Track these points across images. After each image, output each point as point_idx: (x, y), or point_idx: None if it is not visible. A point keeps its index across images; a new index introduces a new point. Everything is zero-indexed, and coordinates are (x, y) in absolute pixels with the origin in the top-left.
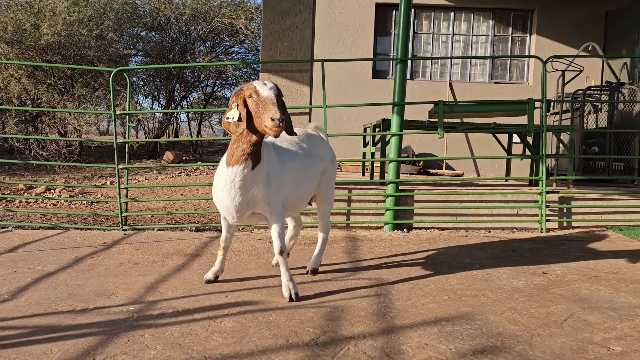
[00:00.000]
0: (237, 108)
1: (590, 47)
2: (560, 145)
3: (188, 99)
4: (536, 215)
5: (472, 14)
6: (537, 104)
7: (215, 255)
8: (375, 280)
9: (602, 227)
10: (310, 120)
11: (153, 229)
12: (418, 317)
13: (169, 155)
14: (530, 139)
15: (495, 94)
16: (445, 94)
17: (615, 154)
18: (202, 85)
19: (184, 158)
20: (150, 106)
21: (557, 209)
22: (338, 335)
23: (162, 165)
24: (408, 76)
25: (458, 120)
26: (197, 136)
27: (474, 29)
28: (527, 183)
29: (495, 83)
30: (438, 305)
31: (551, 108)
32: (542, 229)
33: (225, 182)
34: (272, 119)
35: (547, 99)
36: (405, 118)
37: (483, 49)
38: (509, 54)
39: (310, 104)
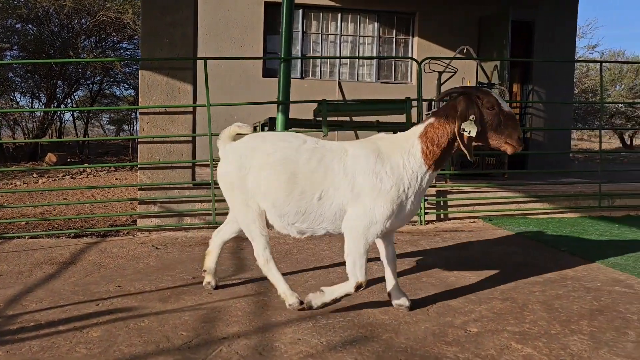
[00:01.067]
0: (475, 121)
1: (465, 50)
2: None
3: (73, 97)
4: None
5: (359, 16)
6: (416, 103)
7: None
8: (256, 279)
9: (475, 218)
10: (194, 118)
11: (24, 237)
12: (294, 313)
13: (51, 157)
14: None
15: (381, 93)
16: (334, 92)
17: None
18: (88, 82)
19: (68, 160)
20: (30, 104)
21: (434, 202)
22: (212, 336)
23: (43, 167)
24: (299, 75)
25: (344, 118)
26: (84, 136)
27: (360, 30)
28: None
29: (382, 83)
30: None
31: (432, 107)
32: (421, 221)
33: (420, 187)
34: (520, 138)
35: (427, 98)
36: (296, 117)
37: (369, 49)
38: (393, 55)
39: (194, 102)
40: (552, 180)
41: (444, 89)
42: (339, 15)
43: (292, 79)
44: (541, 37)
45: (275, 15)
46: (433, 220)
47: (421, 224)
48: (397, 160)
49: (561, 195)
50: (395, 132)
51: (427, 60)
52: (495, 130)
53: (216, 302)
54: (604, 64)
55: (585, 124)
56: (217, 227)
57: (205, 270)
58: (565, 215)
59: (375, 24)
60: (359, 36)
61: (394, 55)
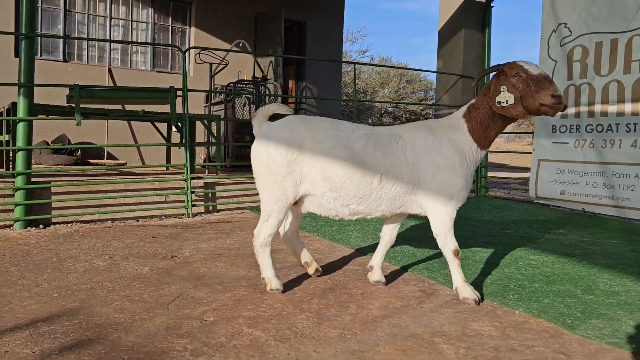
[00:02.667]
0: (507, 90)
1: (240, 44)
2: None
3: None
4: (183, 201)
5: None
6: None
7: None
8: None
9: (243, 209)
10: None
11: None
12: (11, 322)
13: None
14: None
15: (156, 82)
16: (104, 79)
17: None
18: None
19: None
20: None
21: (202, 194)
22: None
23: None
24: (61, 57)
25: (116, 107)
26: None
27: (133, 15)
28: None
29: (157, 72)
30: (42, 305)
31: (209, 98)
32: (188, 214)
33: (476, 162)
34: (554, 96)
35: (199, 89)
36: (55, 103)
37: (143, 36)
38: (169, 44)
39: None
40: None
41: (218, 81)
42: None
43: (53, 62)
44: (312, 38)
45: None
46: (201, 213)
47: (188, 217)
48: (453, 137)
49: None
50: (168, 122)
51: (192, 50)
52: (528, 95)
53: None
54: (373, 68)
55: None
56: None
57: (306, 262)
58: None
59: (150, 9)
60: (132, 21)
61: (170, 44)
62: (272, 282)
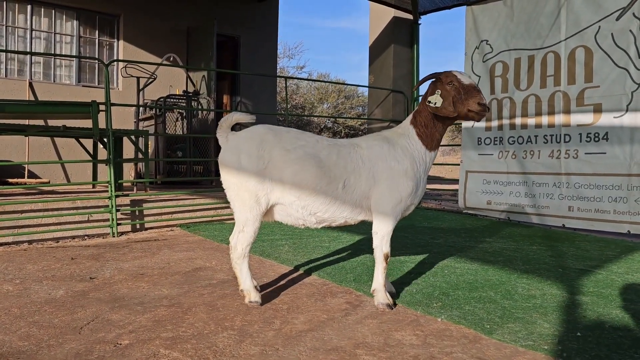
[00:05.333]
0: (441, 95)
1: (171, 58)
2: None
3: None
4: (108, 220)
5: (54, 11)
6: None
7: None
8: None
9: (173, 226)
10: None
11: None
12: None
13: None
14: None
15: (83, 96)
16: (24, 93)
17: (196, 157)
18: None
19: None
20: None
21: (129, 212)
22: None
23: None
24: None
25: (39, 122)
26: None
27: (56, 27)
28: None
29: (83, 86)
30: None
31: (139, 113)
32: (113, 233)
33: (426, 165)
34: (480, 104)
35: (126, 104)
36: None
37: (68, 49)
38: (92, 57)
39: None
40: None
41: (148, 95)
42: (29, 7)
43: None
44: (246, 53)
45: None
46: (127, 232)
47: (113, 236)
48: (404, 144)
49: None
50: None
51: (121, 64)
52: (458, 101)
53: None
54: (312, 84)
55: None
56: None
57: None
58: None
59: (75, 22)
60: (55, 33)
61: (97, 57)
62: (251, 294)
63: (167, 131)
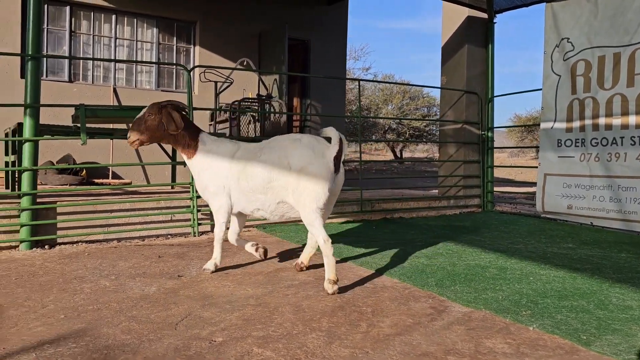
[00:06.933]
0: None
1: (245, 62)
2: None
3: None
4: (189, 220)
5: (136, 20)
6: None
7: None
8: None
9: (250, 227)
10: None
11: None
12: (17, 344)
13: None
14: None
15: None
16: (109, 99)
17: None
18: None
19: None
20: None
21: (209, 212)
22: None
23: None
24: (66, 78)
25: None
26: None
27: (138, 35)
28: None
29: (162, 91)
30: (49, 327)
31: (214, 116)
32: (194, 233)
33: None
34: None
35: (205, 108)
36: (57, 123)
37: (148, 55)
38: (175, 63)
39: None
40: None
41: (223, 99)
42: (114, 16)
43: (58, 82)
44: (316, 56)
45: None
46: (207, 231)
47: (194, 235)
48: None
49: None
50: None
51: (197, 69)
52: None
53: None
54: (376, 85)
55: (363, 138)
56: None
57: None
58: (332, 220)
59: (154, 29)
60: (137, 41)
61: (174, 63)
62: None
63: (240, 133)
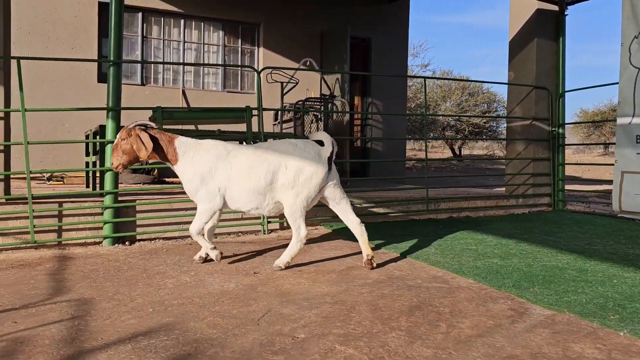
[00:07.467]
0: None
1: (308, 62)
2: None
3: None
4: (259, 218)
5: (202, 23)
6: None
7: None
8: (76, 302)
9: (317, 225)
10: (6, 125)
11: None
12: (113, 335)
13: None
14: None
15: (228, 102)
16: (179, 100)
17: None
18: None
19: None
20: None
21: None
22: None
23: None
24: (139, 81)
25: (190, 127)
26: None
27: (205, 38)
28: None
29: (228, 92)
30: (140, 320)
31: (277, 116)
32: (264, 230)
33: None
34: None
35: (272, 108)
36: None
37: (214, 58)
38: (245, 65)
39: (7, 106)
40: (389, 187)
41: (286, 99)
42: (182, 21)
43: (132, 86)
44: (377, 54)
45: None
46: (276, 229)
47: (264, 233)
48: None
49: (394, 201)
50: (241, 142)
51: (267, 70)
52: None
53: (20, 331)
54: (435, 81)
55: (420, 135)
56: (37, 246)
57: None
58: (398, 219)
59: (220, 32)
60: (204, 44)
61: (239, 64)
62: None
63: (304, 133)
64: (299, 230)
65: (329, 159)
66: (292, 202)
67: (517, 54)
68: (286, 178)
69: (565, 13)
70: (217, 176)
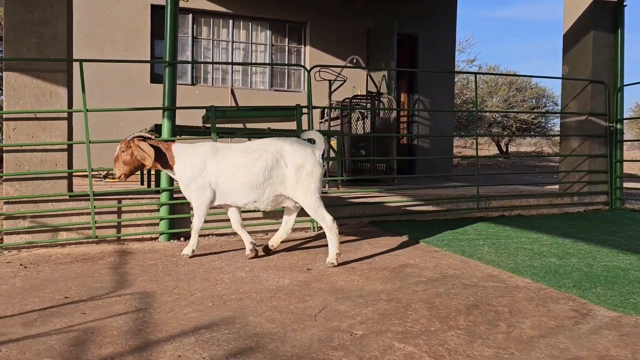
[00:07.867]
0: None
1: (354, 60)
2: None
3: None
4: (308, 215)
5: (250, 23)
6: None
7: None
8: (139, 295)
9: (367, 224)
10: (69, 125)
11: None
12: (177, 328)
13: None
14: None
15: (275, 100)
16: (227, 99)
17: (378, 156)
18: None
19: None
20: None
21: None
22: None
23: None
24: (189, 81)
25: (233, 125)
26: None
27: (252, 38)
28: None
29: (275, 91)
30: (200, 313)
31: (325, 115)
32: (313, 227)
33: None
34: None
35: (318, 106)
36: (185, 124)
37: (262, 57)
38: (295, 64)
39: (70, 107)
40: (437, 185)
41: (333, 97)
42: (230, 21)
43: (183, 86)
44: (424, 50)
45: (162, 20)
46: None
47: (313, 230)
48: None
49: (444, 199)
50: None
51: (316, 69)
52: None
53: (90, 322)
54: (481, 77)
55: (467, 132)
56: (98, 241)
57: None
58: (447, 217)
59: (268, 31)
60: (252, 43)
61: (286, 63)
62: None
63: (351, 131)
64: (325, 220)
65: (322, 155)
66: (304, 197)
67: (572, 47)
68: (286, 174)
69: (625, 4)
70: (206, 173)
